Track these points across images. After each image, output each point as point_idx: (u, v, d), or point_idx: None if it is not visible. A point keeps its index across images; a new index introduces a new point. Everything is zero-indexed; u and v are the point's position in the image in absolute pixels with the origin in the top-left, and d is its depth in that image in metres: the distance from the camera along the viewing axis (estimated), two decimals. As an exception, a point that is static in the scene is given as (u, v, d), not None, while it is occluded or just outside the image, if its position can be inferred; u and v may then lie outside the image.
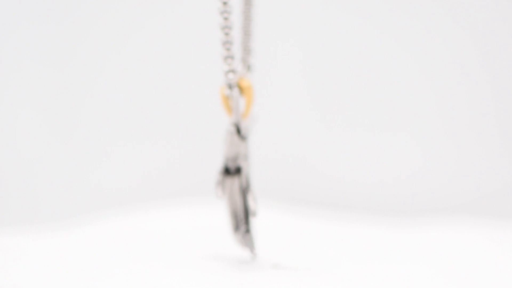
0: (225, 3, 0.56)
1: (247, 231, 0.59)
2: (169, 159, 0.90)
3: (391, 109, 0.89)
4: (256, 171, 0.89)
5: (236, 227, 0.60)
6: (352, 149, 0.89)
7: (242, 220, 0.60)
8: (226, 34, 0.58)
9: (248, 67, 0.61)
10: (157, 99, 0.90)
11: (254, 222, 0.61)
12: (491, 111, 0.89)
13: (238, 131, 0.59)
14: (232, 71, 0.58)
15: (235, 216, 0.60)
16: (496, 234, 0.72)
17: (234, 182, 0.59)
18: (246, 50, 0.61)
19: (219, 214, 0.79)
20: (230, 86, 0.58)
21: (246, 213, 0.59)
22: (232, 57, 0.58)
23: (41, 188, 0.90)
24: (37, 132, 0.90)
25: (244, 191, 0.59)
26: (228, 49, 0.58)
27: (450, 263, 0.61)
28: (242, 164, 0.59)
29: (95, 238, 0.71)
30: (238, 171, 0.59)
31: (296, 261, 0.61)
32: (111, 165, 0.90)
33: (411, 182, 0.89)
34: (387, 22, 0.88)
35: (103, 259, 0.63)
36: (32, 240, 0.71)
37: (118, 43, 0.90)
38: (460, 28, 0.88)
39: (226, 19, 0.58)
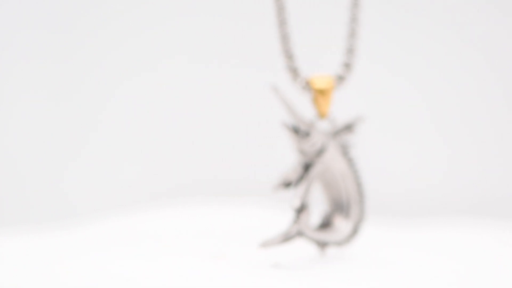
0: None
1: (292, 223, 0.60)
2: (169, 159, 0.90)
3: (390, 111, 0.89)
4: (257, 171, 0.89)
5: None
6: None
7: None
8: (283, 30, 0.58)
9: (348, 67, 0.60)
10: (157, 99, 0.90)
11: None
12: (491, 112, 0.89)
13: (294, 129, 0.60)
14: (290, 68, 0.59)
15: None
16: (497, 234, 0.72)
17: None
18: (349, 50, 0.60)
19: (219, 214, 0.79)
20: (294, 81, 0.59)
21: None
22: (289, 53, 0.58)
23: (41, 188, 0.89)
24: (37, 132, 0.90)
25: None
26: (285, 46, 0.59)
27: (450, 263, 0.61)
28: (300, 160, 0.59)
29: (95, 238, 0.71)
30: (307, 167, 0.60)
31: (296, 261, 0.61)
32: (111, 165, 0.90)
33: (411, 182, 0.89)
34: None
35: (103, 259, 0.63)
36: (32, 240, 0.71)
37: (116, 44, 0.90)
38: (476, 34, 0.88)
39: (281, 15, 0.58)
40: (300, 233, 0.60)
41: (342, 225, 0.61)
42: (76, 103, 0.90)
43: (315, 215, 0.62)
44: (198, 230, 0.73)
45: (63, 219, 0.83)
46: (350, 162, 0.60)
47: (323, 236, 0.60)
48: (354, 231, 0.61)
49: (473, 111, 0.89)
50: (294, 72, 0.59)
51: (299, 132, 0.59)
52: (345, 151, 0.60)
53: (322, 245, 0.61)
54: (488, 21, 0.88)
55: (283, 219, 0.78)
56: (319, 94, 0.59)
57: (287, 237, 0.60)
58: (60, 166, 0.90)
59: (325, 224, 0.61)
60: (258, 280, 0.55)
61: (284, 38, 0.59)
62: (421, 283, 0.55)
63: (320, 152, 0.59)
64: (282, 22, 0.59)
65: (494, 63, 0.89)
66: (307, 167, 0.60)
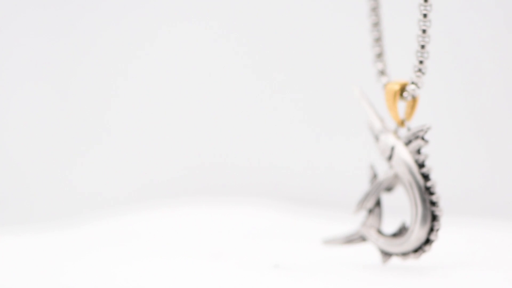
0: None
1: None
2: (169, 159, 0.90)
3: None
4: (258, 170, 0.89)
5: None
6: (351, 148, 0.89)
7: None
8: (377, 31, 0.58)
9: (420, 71, 0.56)
10: (157, 98, 0.90)
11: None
12: (488, 111, 0.89)
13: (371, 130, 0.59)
14: (377, 70, 0.58)
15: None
16: (496, 234, 0.72)
17: None
18: (420, 52, 0.57)
19: (218, 214, 0.79)
20: (378, 83, 0.58)
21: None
22: (378, 54, 0.58)
23: (40, 187, 0.90)
24: (34, 131, 0.90)
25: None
26: (379, 47, 0.58)
27: (449, 263, 0.61)
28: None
29: (94, 238, 0.71)
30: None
31: (296, 261, 0.61)
32: (111, 164, 0.90)
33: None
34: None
35: (102, 259, 0.63)
36: (32, 240, 0.71)
37: (118, 43, 0.90)
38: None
39: (373, 16, 0.58)
40: (363, 238, 0.60)
41: (407, 236, 0.58)
42: (74, 102, 0.90)
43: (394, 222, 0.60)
44: (197, 230, 0.73)
45: (62, 219, 0.83)
46: (420, 171, 0.57)
47: (387, 245, 0.59)
48: (417, 246, 0.58)
49: (472, 111, 0.89)
50: (380, 74, 0.58)
51: (373, 135, 0.59)
52: (416, 159, 0.57)
53: (385, 253, 0.59)
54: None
55: (282, 219, 0.78)
56: (387, 99, 0.58)
57: (349, 240, 0.60)
58: (58, 166, 0.90)
59: (398, 234, 0.59)
60: (258, 280, 0.55)
61: (376, 39, 0.58)
62: (420, 283, 0.55)
63: (389, 158, 0.59)
64: (374, 23, 0.59)
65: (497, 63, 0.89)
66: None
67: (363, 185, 0.82)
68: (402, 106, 0.58)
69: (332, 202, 0.87)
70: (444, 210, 0.57)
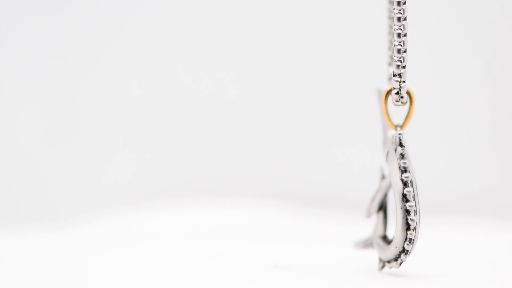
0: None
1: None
2: (169, 159, 0.90)
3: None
4: (258, 170, 0.89)
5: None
6: (351, 148, 0.89)
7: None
8: (392, 36, 0.56)
9: (398, 75, 0.55)
10: (156, 98, 0.90)
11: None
12: (489, 112, 0.89)
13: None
14: (389, 74, 0.58)
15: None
16: (495, 234, 0.72)
17: None
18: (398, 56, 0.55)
19: (218, 213, 0.79)
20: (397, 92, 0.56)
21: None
22: (391, 59, 0.57)
23: (40, 188, 0.90)
24: (36, 133, 0.90)
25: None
26: (390, 52, 0.57)
27: (448, 263, 0.61)
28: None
29: (94, 238, 0.71)
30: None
31: (296, 261, 0.61)
32: (110, 165, 0.90)
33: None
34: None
35: (102, 258, 0.63)
36: (32, 240, 0.71)
37: (117, 40, 0.91)
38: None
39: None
40: (371, 243, 0.60)
41: (391, 243, 0.57)
42: (75, 102, 0.90)
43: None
44: (197, 230, 0.73)
45: (63, 219, 0.83)
46: (400, 176, 0.56)
47: (381, 251, 0.58)
48: (396, 255, 0.57)
49: (470, 111, 0.89)
50: (390, 79, 0.58)
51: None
52: (399, 165, 0.56)
53: (380, 260, 0.58)
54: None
55: (282, 219, 0.79)
56: (382, 103, 0.57)
57: (365, 244, 0.60)
58: (59, 166, 0.90)
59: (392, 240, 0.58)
60: (258, 280, 0.56)
61: (390, 42, 0.58)
62: (420, 283, 0.55)
63: (388, 160, 0.58)
64: (390, 26, 0.58)
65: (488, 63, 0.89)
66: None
67: (362, 186, 0.83)
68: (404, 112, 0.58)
69: (332, 202, 0.87)
70: (418, 221, 0.55)
